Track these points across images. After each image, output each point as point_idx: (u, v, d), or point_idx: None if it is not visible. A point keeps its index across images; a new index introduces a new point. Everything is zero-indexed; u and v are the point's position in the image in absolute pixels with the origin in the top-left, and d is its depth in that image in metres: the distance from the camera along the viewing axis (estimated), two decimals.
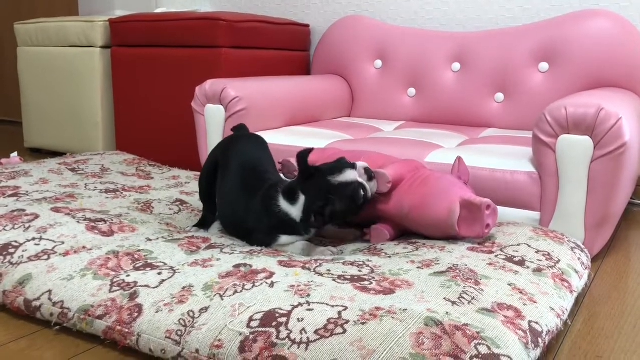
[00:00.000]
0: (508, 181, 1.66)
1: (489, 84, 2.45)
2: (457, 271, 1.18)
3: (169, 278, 1.18)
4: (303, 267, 1.21)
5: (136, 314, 1.08)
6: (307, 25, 2.96)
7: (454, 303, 1.03)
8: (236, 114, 2.15)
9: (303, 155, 1.36)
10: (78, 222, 1.46)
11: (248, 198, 1.42)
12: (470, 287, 1.11)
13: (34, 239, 1.37)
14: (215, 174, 1.60)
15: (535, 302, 1.12)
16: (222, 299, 1.07)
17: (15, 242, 1.36)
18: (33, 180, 1.86)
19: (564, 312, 1.16)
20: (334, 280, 1.13)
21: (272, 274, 1.16)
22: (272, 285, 1.10)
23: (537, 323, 1.05)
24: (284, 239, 1.39)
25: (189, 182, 1.98)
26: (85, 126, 2.91)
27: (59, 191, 1.76)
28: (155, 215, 1.64)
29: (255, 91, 2.23)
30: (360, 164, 1.39)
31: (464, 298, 1.06)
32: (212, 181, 1.63)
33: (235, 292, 1.09)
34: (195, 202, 1.79)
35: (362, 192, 1.34)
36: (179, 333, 1.02)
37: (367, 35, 2.73)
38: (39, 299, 1.18)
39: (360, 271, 1.19)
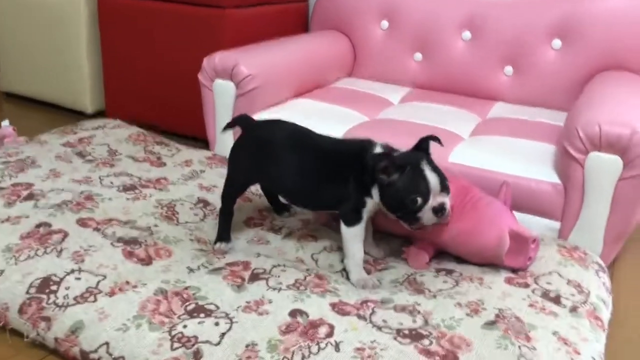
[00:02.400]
0: (533, 189, 1.69)
1: (499, 56, 2.41)
2: (506, 320, 1.23)
3: (228, 331, 1.18)
4: (358, 316, 1.23)
5: None
6: None
7: None
8: (248, 92, 2.07)
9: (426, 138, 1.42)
10: (113, 245, 1.43)
11: (329, 162, 1.42)
12: (524, 345, 1.16)
13: (72, 271, 1.34)
14: (248, 182, 1.57)
15: (579, 354, 1.19)
16: None
17: (55, 275, 1.32)
18: (43, 172, 1.78)
19: (601, 357, 1.24)
20: (394, 338, 1.16)
21: (332, 329, 1.18)
22: (337, 347, 1.13)
23: None
24: (369, 203, 1.39)
25: (204, 171, 1.93)
26: (71, 77, 2.75)
27: (76, 190, 1.69)
28: (182, 225, 1.61)
29: (266, 66, 2.13)
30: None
31: None
32: (243, 191, 1.60)
33: (303, 356, 1.11)
34: (216, 200, 1.76)
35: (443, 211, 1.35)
36: None
37: None
38: (96, 351, 1.18)
39: (414, 321, 1.23)
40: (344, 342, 1.15)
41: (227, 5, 2.32)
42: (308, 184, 1.43)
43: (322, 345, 1.14)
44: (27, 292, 1.30)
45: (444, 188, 1.33)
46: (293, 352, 1.12)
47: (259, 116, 2.10)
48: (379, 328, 1.20)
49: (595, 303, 1.37)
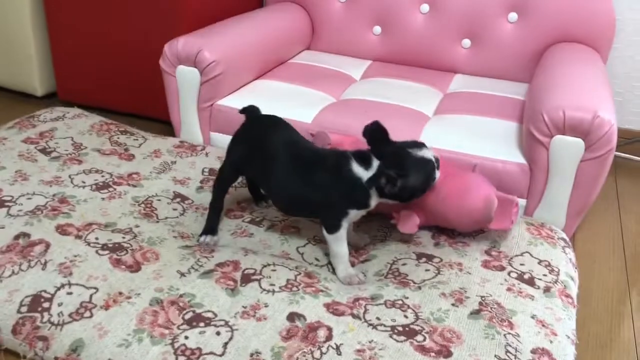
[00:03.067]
0: (499, 170, 1.77)
1: (457, 29, 2.45)
2: (489, 308, 1.32)
3: (230, 340, 1.22)
4: (352, 316, 1.29)
5: None
6: None
7: None
8: (213, 79, 2.04)
9: (375, 127, 1.42)
10: (98, 253, 1.42)
11: (311, 173, 1.42)
12: (509, 333, 1.25)
13: (62, 285, 1.33)
14: (238, 173, 1.59)
15: (556, 335, 1.29)
16: None
17: (45, 292, 1.31)
18: (9, 175, 1.72)
19: (574, 334, 1.35)
20: (390, 336, 1.22)
21: (330, 331, 1.23)
22: (338, 350, 1.18)
23: None
24: (352, 213, 1.42)
25: (175, 162, 1.91)
26: (17, 58, 2.61)
27: (47, 192, 1.65)
28: (163, 222, 1.61)
29: (229, 50, 2.10)
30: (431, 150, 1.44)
31: (509, 352, 1.20)
32: (233, 181, 1.61)
33: None
34: (192, 193, 1.77)
35: (436, 173, 1.41)
36: None
37: None
38: None
39: (406, 317, 1.29)
40: (344, 345, 1.20)
41: None
42: (289, 191, 1.45)
43: (324, 349, 1.19)
44: (19, 312, 1.28)
45: (436, 161, 1.43)
46: (297, 359, 1.17)
47: (223, 102, 2.09)
48: (374, 327, 1.26)
49: (565, 281, 1.48)
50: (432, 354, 1.18)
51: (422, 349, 1.20)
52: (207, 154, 2.00)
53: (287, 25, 2.53)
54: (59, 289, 1.32)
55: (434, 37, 2.48)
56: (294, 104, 2.05)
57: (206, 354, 1.19)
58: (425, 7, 2.48)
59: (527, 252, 1.55)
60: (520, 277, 1.45)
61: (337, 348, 1.19)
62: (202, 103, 2.08)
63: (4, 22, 2.56)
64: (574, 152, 1.68)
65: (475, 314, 1.31)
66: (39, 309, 1.28)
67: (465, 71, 2.48)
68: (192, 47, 2.01)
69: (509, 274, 1.46)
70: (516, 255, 1.53)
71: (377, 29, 2.57)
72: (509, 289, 1.40)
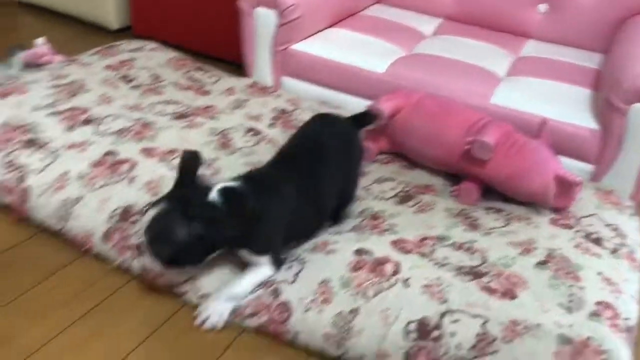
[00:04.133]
0: (570, 134, 1.77)
1: None
2: (555, 261, 1.35)
3: (301, 271, 1.29)
4: (419, 254, 1.33)
5: (286, 314, 1.20)
6: None
7: (568, 309, 1.21)
8: (290, 22, 2.07)
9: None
10: None
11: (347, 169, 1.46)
12: (573, 285, 1.28)
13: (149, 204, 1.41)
14: None
15: (621, 293, 1.31)
16: (368, 301, 1.20)
17: (135, 206, 1.40)
18: (94, 97, 1.80)
19: (637, 295, 1.37)
20: (457, 275, 1.27)
21: (397, 266, 1.28)
22: (406, 283, 1.23)
23: (628, 319, 1.25)
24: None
25: (248, 100, 1.97)
26: None
27: (131, 117, 1.73)
28: (239, 152, 1.68)
29: None
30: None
31: (573, 301, 1.23)
32: None
33: (376, 292, 1.21)
34: (264, 128, 1.82)
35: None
36: (338, 337, 1.16)
37: None
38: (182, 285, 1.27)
39: (472, 259, 1.33)
40: (412, 279, 1.25)
41: None
42: None
43: (392, 281, 1.24)
44: (109, 221, 1.37)
45: None
46: (366, 288, 1.23)
47: (297, 46, 2.12)
48: (442, 265, 1.30)
49: (631, 245, 1.49)
50: (498, 294, 1.22)
51: (488, 289, 1.23)
52: (278, 96, 2.05)
53: None
54: (146, 206, 1.40)
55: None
56: (366, 53, 2.07)
57: (279, 282, 1.26)
58: None
59: (595, 214, 1.56)
60: (588, 237, 1.46)
61: (405, 281, 1.24)
62: (277, 46, 2.11)
63: None
64: None
65: (542, 264, 1.34)
66: (129, 220, 1.37)
67: (539, 37, 2.44)
68: None
69: (576, 232, 1.48)
70: (584, 217, 1.55)
71: None
72: (576, 246, 1.42)
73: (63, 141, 1.58)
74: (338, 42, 2.14)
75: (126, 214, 1.39)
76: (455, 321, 1.15)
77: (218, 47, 2.50)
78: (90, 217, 1.39)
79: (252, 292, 1.25)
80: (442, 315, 1.16)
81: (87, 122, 1.67)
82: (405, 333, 1.14)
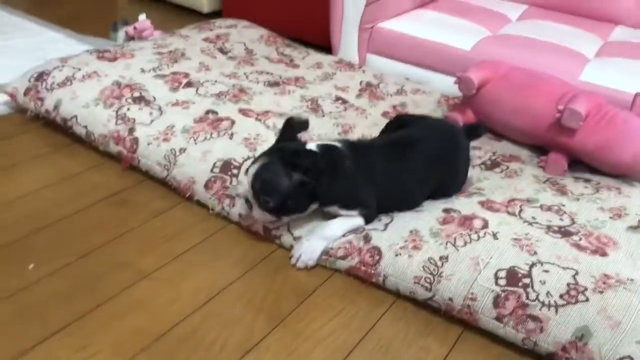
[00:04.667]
0: None
1: None
2: None
3: (391, 222, 1.34)
4: (508, 213, 1.35)
5: (377, 257, 1.26)
6: None
7: None
8: (378, 1, 2.13)
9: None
10: (274, 132, 1.58)
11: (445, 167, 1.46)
12: None
13: (248, 157, 1.49)
14: None
15: None
16: (457, 249, 1.23)
17: (234, 160, 1.49)
18: (194, 65, 1.92)
19: None
20: (546, 233, 1.28)
21: (486, 222, 1.31)
22: (495, 236, 1.26)
23: None
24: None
25: (335, 74, 2.04)
26: None
27: (228, 83, 1.83)
28: (328, 115, 1.75)
29: None
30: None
31: None
32: None
33: (465, 242, 1.25)
34: (351, 98, 1.88)
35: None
36: (428, 280, 1.20)
37: None
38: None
39: (561, 220, 1.34)
40: (500, 233, 1.27)
41: None
42: None
43: (481, 234, 1.27)
44: (212, 171, 1.47)
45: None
46: (455, 238, 1.26)
47: (384, 24, 2.17)
48: (530, 224, 1.32)
49: None
50: (588, 251, 1.23)
51: (578, 246, 1.24)
52: (363, 71, 2.11)
53: None
54: (245, 160, 1.49)
55: None
56: (452, 31, 2.11)
57: (369, 229, 1.31)
58: None
59: None
60: None
61: (494, 234, 1.27)
62: (364, 24, 2.18)
63: None
64: None
65: (634, 228, 1.33)
66: (229, 173, 1.46)
67: (628, 23, 2.40)
68: None
69: None
70: None
71: None
72: None
73: (168, 99, 1.70)
74: (423, 21, 2.19)
75: (226, 165, 1.48)
76: (546, 271, 1.17)
77: (305, 30, 2.57)
78: (193, 166, 1.48)
79: (343, 236, 1.31)
80: (532, 265, 1.18)
81: (188, 84, 1.79)
82: (495, 279, 1.17)
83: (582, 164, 1.61)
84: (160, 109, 1.66)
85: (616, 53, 2.03)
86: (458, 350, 1.13)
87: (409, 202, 1.40)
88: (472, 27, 2.17)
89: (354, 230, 1.32)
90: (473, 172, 1.56)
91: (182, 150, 1.52)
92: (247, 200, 1.32)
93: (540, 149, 1.68)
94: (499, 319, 1.13)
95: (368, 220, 1.34)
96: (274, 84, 1.88)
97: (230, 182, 1.44)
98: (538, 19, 2.35)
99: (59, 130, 1.70)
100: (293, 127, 1.37)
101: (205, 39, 2.13)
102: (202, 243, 1.35)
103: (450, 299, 1.18)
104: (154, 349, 1.06)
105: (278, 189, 1.25)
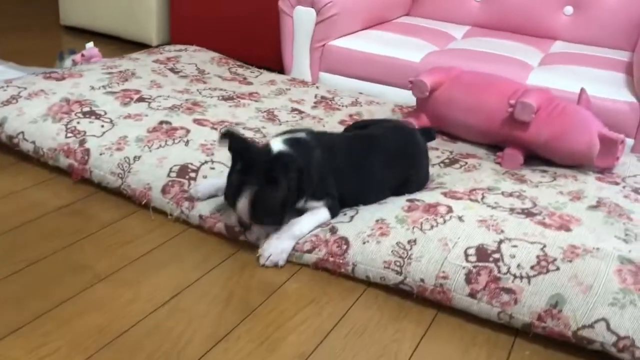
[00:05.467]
0: (609, 109, 1.81)
1: None
2: (607, 206, 1.36)
3: (356, 214, 1.32)
4: (470, 200, 1.35)
5: (344, 247, 1.23)
6: None
7: (625, 241, 1.21)
8: (328, 19, 2.17)
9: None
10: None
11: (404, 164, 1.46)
12: (628, 223, 1.29)
13: (206, 162, 1.46)
14: None
15: None
16: (424, 233, 1.22)
17: (191, 164, 1.45)
18: (145, 83, 1.89)
19: None
20: (510, 214, 1.29)
21: (450, 208, 1.30)
22: (460, 219, 1.25)
23: None
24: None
25: (290, 89, 2.04)
26: (137, 8, 2.83)
27: (181, 97, 1.81)
28: (285, 124, 1.73)
29: None
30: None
31: (629, 235, 1.24)
32: None
33: (432, 226, 1.24)
34: (307, 109, 1.88)
35: None
36: (398, 264, 1.18)
37: None
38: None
39: (523, 203, 1.35)
40: (465, 216, 1.27)
41: None
42: None
43: (447, 218, 1.26)
44: (168, 176, 1.42)
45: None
46: (422, 223, 1.25)
47: (335, 42, 2.21)
48: (493, 207, 1.32)
49: None
50: (553, 228, 1.24)
51: (543, 224, 1.25)
52: (317, 87, 2.12)
53: None
54: (203, 164, 1.46)
55: (536, 3, 2.53)
56: (401, 47, 2.16)
57: (335, 222, 1.29)
58: None
59: (639, 174, 1.58)
60: (636, 191, 1.48)
61: (459, 218, 1.26)
62: (315, 43, 2.21)
63: None
64: None
65: (593, 207, 1.35)
66: (186, 176, 1.42)
67: (566, 38, 2.51)
68: None
69: (623, 187, 1.49)
70: (629, 176, 1.56)
71: None
72: (625, 196, 1.43)
73: (119, 113, 1.65)
74: (372, 39, 2.24)
75: (183, 170, 1.44)
76: (514, 247, 1.16)
77: (255, 54, 2.60)
78: (149, 173, 1.44)
79: (310, 232, 1.28)
80: (500, 242, 1.18)
81: (140, 99, 1.75)
82: (465, 256, 1.15)
83: (537, 159, 1.64)
84: (111, 121, 1.61)
85: (558, 62, 2.12)
86: (433, 330, 1.11)
87: (372, 195, 1.38)
88: (420, 43, 2.23)
89: (320, 225, 1.29)
90: (433, 170, 1.56)
91: (137, 158, 1.48)
92: (242, 224, 1.27)
93: (495, 147, 1.71)
94: (472, 295, 1.12)
95: (333, 214, 1.32)
96: (228, 98, 1.87)
97: (188, 186, 1.40)
98: (481, 36, 2.44)
99: (3, 149, 1.63)
100: (237, 136, 1.27)
101: (156, 61, 2.11)
102: (162, 246, 1.29)
103: (422, 280, 1.15)
104: (117, 344, 0.99)
105: (276, 206, 1.22)
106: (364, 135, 1.45)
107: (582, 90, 1.71)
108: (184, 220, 1.38)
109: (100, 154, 1.49)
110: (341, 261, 1.22)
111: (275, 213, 1.23)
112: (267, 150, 1.25)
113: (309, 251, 1.25)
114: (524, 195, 1.39)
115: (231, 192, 1.22)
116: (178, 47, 2.34)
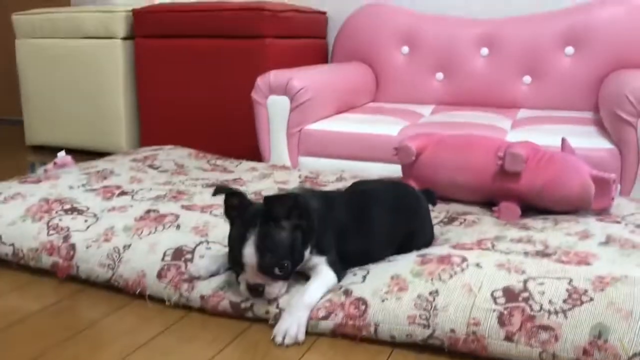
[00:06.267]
0: (589, 157, 1.82)
1: (517, 68, 2.62)
2: (617, 241, 1.34)
3: (367, 274, 1.25)
4: (481, 249, 1.31)
5: (362, 307, 1.15)
6: (325, 13, 3.01)
7: None
8: (302, 105, 2.20)
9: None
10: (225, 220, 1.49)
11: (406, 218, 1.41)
12: None
13: (201, 242, 1.39)
14: None
15: None
16: (445, 282, 1.16)
17: (185, 246, 1.37)
18: (125, 179, 1.84)
19: None
20: (525, 257, 1.24)
21: (464, 258, 1.25)
22: (478, 265, 1.20)
23: None
24: None
25: (272, 174, 2.02)
26: (106, 122, 2.84)
27: (164, 188, 1.76)
28: None
29: (314, 81, 2.28)
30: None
31: None
32: None
33: (451, 275, 1.18)
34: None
35: None
36: (423, 317, 1.10)
37: (392, 23, 2.82)
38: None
39: (535, 247, 1.31)
40: (482, 263, 1.21)
41: (268, 35, 2.48)
42: None
43: (464, 266, 1.21)
44: (163, 260, 1.34)
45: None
46: (439, 274, 1.19)
47: (312, 126, 2.23)
48: (507, 253, 1.28)
49: None
50: (573, 264, 1.20)
51: (562, 262, 1.21)
52: (299, 170, 2.11)
53: (355, 76, 2.74)
54: (198, 245, 1.38)
55: (496, 77, 2.65)
56: (377, 124, 2.20)
57: (348, 284, 1.22)
58: (484, 50, 2.68)
59: (636, 212, 1.58)
60: (639, 227, 1.46)
61: (477, 265, 1.21)
62: (292, 128, 2.22)
63: (96, 91, 2.81)
64: None
65: (605, 244, 1.33)
66: (182, 259, 1.34)
67: (528, 106, 2.61)
68: (283, 78, 2.20)
69: (625, 225, 1.48)
70: (628, 215, 1.56)
71: (440, 75, 2.76)
72: (631, 232, 1.41)
73: (102, 207, 1.59)
74: (348, 120, 2.28)
75: (178, 253, 1.36)
76: (541, 284, 1.11)
77: (230, 149, 2.59)
78: (142, 260, 1.35)
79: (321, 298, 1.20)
80: (525, 281, 1.12)
81: (122, 193, 1.69)
82: (493, 299, 1.09)
83: (533, 211, 1.63)
84: (95, 215, 1.54)
85: (529, 124, 2.18)
86: None
87: (375, 248, 1.33)
88: (393, 120, 2.28)
89: (330, 290, 1.22)
90: (435, 229, 1.52)
91: (127, 246, 1.39)
92: (251, 289, 1.18)
93: (489, 204, 1.69)
94: (509, 338, 1.04)
95: (338, 274, 1.24)
96: (212, 186, 1.82)
97: (185, 268, 1.32)
98: (448, 111, 2.51)
99: None
100: (232, 192, 1.24)
101: (133, 160, 2.07)
102: (165, 333, 1.19)
103: (452, 330, 1.08)
104: None
105: (283, 242, 1.15)
106: (364, 190, 1.42)
107: (564, 139, 1.74)
108: (184, 305, 1.28)
109: (87, 247, 1.41)
110: (361, 323, 1.14)
111: (284, 251, 1.15)
112: (265, 200, 1.19)
113: (325, 317, 1.16)
114: (533, 240, 1.36)
115: (235, 242, 1.16)
116: (153, 147, 2.31)
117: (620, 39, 2.45)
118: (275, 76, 2.21)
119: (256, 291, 1.17)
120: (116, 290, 1.36)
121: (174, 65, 2.67)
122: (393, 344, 1.13)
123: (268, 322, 1.20)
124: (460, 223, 1.56)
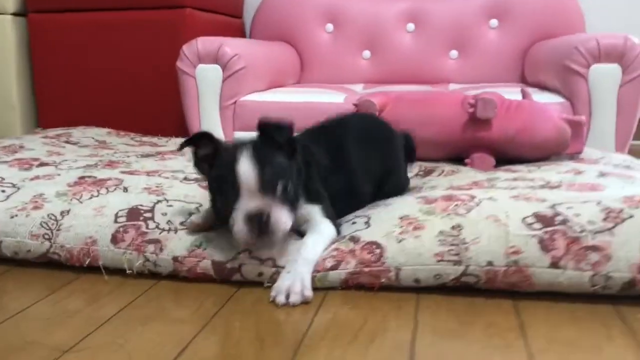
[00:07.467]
0: None
1: (443, 42, 2.59)
2: (611, 174, 1.27)
3: (369, 219, 1.09)
4: (482, 188, 1.20)
5: (377, 251, 0.98)
6: None
7: None
8: (236, 73, 2.00)
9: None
10: (181, 181, 1.27)
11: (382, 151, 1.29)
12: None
13: (159, 201, 1.15)
14: None
15: None
16: (465, 217, 1.02)
17: (141, 205, 1.13)
18: (41, 152, 1.54)
19: None
20: (534, 189, 1.14)
21: (471, 195, 1.12)
22: (492, 199, 1.08)
23: None
24: None
25: None
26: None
27: (92, 160, 1.48)
28: None
29: (246, 49, 2.10)
30: None
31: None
32: None
33: (469, 210, 1.04)
34: None
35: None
36: (453, 252, 0.95)
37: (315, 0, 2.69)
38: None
39: (534, 183, 1.22)
40: (494, 197, 1.08)
41: (188, 5, 2.26)
42: None
43: (477, 201, 1.07)
44: (116, 221, 1.09)
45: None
46: (454, 209, 1.05)
47: (248, 97, 2.03)
48: (513, 188, 1.17)
49: None
50: (587, 190, 1.11)
51: (575, 189, 1.12)
52: None
53: (279, 55, 2.57)
54: (156, 203, 1.14)
55: (423, 52, 2.60)
56: (318, 94, 2.05)
57: (352, 232, 1.05)
58: (410, 26, 2.62)
59: (604, 157, 1.54)
60: (617, 166, 1.42)
61: (490, 199, 1.08)
62: (225, 101, 2.01)
63: None
64: (612, 78, 1.76)
65: (602, 175, 1.26)
66: (141, 218, 1.09)
67: (457, 80, 2.58)
68: (213, 44, 1.99)
69: (604, 165, 1.43)
70: (599, 158, 1.52)
71: (367, 53, 2.67)
72: (615, 167, 1.37)
73: (23, 177, 1.30)
74: (286, 92, 2.11)
75: (135, 212, 1.11)
76: (570, 208, 1.00)
77: (152, 128, 2.31)
78: (87, 225, 1.09)
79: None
80: (553, 206, 1.01)
81: (43, 164, 1.40)
82: (526, 225, 0.97)
83: (505, 163, 1.54)
84: (14, 185, 1.25)
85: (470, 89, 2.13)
86: (528, 318, 0.88)
87: (358, 188, 1.19)
88: (332, 93, 2.13)
89: (331, 242, 1.04)
90: (413, 182, 1.39)
91: (65, 212, 1.12)
92: (252, 220, 0.93)
93: (457, 161, 1.59)
94: (555, 264, 0.92)
95: (335, 225, 1.07)
96: (148, 156, 1.57)
97: (146, 227, 1.07)
98: (381, 88, 2.41)
99: None
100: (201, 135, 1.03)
101: (44, 137, 1.76)
102: (134, 304, 0.94)
103: (490, 263, 0.94)
104: None
105: (284, 167, 0.98)
106: (337, 122, 1.26)
107: (523, 90, 1.69)
108: (151, 272, 1.04)
109: (12, 217, 1.12)
110: (379, 269, 0.97)
111: (284, 170, 0.96)
112: (260, 123, 1.01)
113: (334, 267, 0.98)
114: (529, 177, 1.26)
115: (225, 169, 0.95)
116: (61, 128, 2.00)
117: (543, 11, 2.49)
118: (203, 43, 2.00)
119: (259, 223, 0.93)
120: (55, 265, 1.08)
121: (76, 42, 2.34)
122: (417, 289, 0.97)
123: (263, 285, 0.99)
124: (439, 174, 1.44)
